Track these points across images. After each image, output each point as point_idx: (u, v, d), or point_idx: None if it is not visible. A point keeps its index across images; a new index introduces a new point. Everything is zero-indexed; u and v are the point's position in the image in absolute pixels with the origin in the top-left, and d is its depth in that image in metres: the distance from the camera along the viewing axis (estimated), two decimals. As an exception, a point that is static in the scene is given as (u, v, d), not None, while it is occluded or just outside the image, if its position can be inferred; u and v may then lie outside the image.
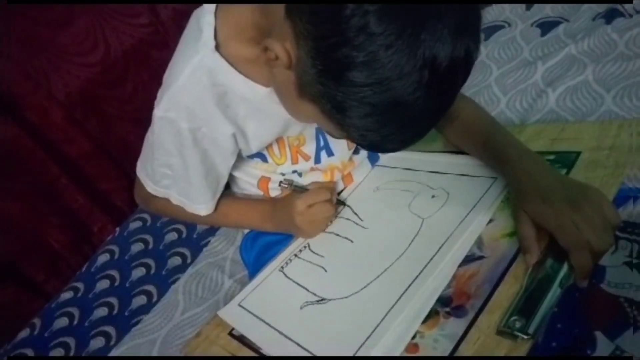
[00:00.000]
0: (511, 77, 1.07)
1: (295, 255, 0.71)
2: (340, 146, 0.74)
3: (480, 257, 0.57)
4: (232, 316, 0.65)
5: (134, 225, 1.22)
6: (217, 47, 0.58)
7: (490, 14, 1.29)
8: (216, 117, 0.62)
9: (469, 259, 0.57)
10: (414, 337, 0.51)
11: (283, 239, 0.77)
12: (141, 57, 1.34)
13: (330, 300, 0.61)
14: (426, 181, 0.72)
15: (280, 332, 0.59)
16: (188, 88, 0.59)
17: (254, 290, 0.68)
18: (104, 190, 1.34)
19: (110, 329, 0.96)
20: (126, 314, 0.97)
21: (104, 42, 1.27)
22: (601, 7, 1.11)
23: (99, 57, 1.27)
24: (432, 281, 0.56)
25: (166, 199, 0.73)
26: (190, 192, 0.70)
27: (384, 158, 0.83)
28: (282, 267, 0.70)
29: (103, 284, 1.07)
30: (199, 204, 0.72)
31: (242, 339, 0.61)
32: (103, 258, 1.15)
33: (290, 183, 0.73)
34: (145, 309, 0.96)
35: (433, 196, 0.69)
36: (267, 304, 0.64)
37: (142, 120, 1.40)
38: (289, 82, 0.50)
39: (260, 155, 0.73)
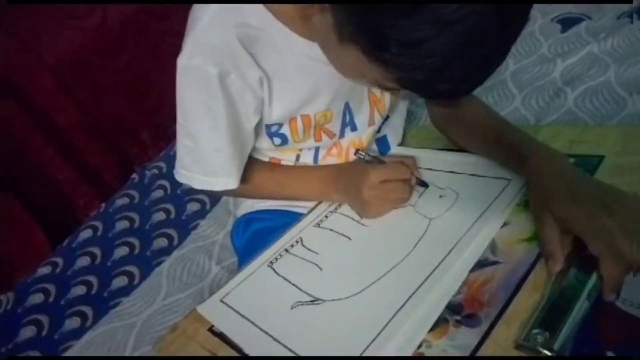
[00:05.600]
0: (528, 73, 1.02)
1: (286, 250, 0.66)
2: (363, 121, 0.70)
3: (495, 263, 0.53)
4: (213, 312, 0.60)
5: (121, 201, 1.16)
6: None
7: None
8: (244, 60, 0.57)
9: (481, 264, 0.53)
10: (420, 347, 0.47)
11: (280, 226, 0.71)
12: (140, 27, 1.28)
13: (325, 301, 0.56)
14: (433, 180, 0.67)
15: (266, 332, 0.54)
16: (215, 26, 0.55)
17: (238, 285, 0.63)
18: (93, 164, 1.28)
19: (87, 309, 0.91)
20: (105, 295, 0.92)
21: (101, 6, 1.20)
22: (626, 5, 1.06)
23: (94, 22, 1.21)
24: (441, 286, 0.51)
25: None
26: (216, 164, 0.64)
27: (390, 153, 0.78)
28: (271, 262, 0.65)
29: (83, 261, 1.02)
30: (227, 177, 0.65)
31: (223, 336, 0.56)
32: (85, 234, 1.10)
33: (367, 155, 0.66)
34: (126, 291, 0.92)
35: (441, 196, 0.64)
36: (252, 302, 0.59)
37: (136, 95, 1.34)
38: (328, 27, 0.47)
39: (281, 136, 0.67)
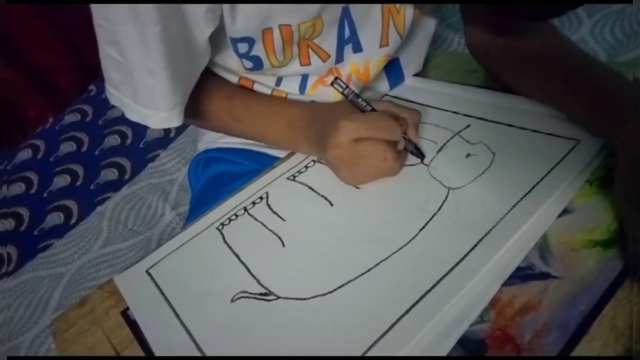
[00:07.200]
0: (601, -8, 0.77)
1: (245, 209, 0.49)
2: (371, 38, 0.52)
3: (545, 276, 0.34)
4: (132, 287, 0.45)
5: (71, 118, 0.97)
6: None
7: None
8: None
9: (523, 276, 0.35)
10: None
11: (246, 172, 0.58)
12: None
13: (278, 298, 0.40)
14: (458, 129, 0.49)
15: (188, 332, 0.39)
16: None
17: (173, 252, 0.47)
18: (45, 66, 1.06)
19: (12, 250, 0.74)
20: (35, 233, 0.76)
21: None
22: None
23: None
24: (455, 303, 0.34)
25: None
26: (149, 91, 0.46)
27: (404, 85, 0.60)
28: (222, 223, 0.49)
29: (16, 189, 0.84)
30: (166, 111, 0.47)
31: (137, 327, 0.42)
32: (24, 155, 0.91)
33: (348, 88, 0.46)
34: (60, 231, 0.76)
35: (469, 155, 0.46)
36: (185, 280, 0.44)
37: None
38: None
39: (253, 59, 0.50)
